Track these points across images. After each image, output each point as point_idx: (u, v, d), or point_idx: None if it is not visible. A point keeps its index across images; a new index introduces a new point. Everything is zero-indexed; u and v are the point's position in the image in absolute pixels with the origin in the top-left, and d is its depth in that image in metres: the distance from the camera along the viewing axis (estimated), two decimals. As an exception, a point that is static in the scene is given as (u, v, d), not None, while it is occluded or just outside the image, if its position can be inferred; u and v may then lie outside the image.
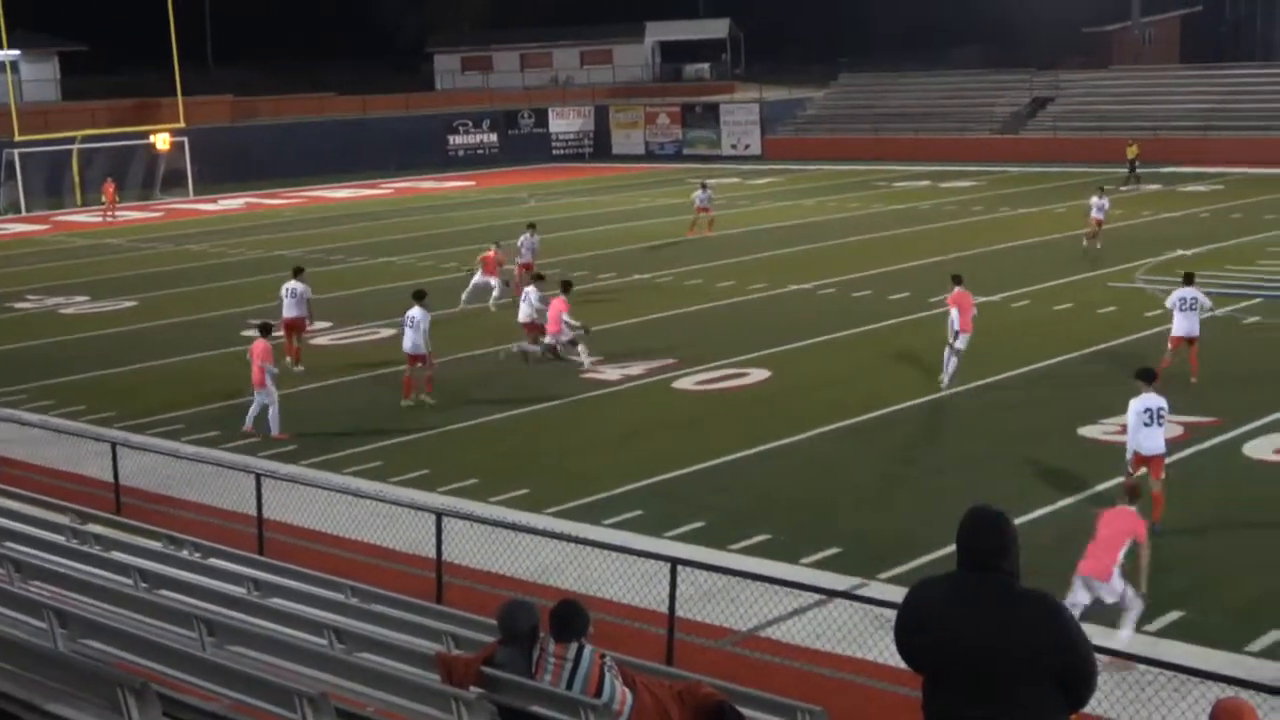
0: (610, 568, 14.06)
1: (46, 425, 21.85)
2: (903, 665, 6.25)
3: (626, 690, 8.23)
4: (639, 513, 17.28)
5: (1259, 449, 18.99)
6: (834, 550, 15.71)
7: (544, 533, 14.93)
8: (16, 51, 67.69)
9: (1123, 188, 51.69)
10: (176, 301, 35.35)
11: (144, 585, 11.42)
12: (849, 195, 55.75)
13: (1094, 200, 37.42)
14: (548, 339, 25.87)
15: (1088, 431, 19.90)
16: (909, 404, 22.16)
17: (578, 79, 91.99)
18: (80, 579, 11.20)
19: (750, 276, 35.05)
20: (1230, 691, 8.95)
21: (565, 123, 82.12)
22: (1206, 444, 19.25)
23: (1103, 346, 25.54)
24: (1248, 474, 18.11)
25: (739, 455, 19.66)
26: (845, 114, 79.19)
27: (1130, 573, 12.61)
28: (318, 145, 74.35)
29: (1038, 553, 13.79)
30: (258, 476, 16.51)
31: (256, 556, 13.96)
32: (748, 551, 15.73)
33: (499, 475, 19.12)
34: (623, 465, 19.40)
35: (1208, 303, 22.65)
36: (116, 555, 12.58)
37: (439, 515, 14.62)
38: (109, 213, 58.04)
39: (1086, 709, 6.16)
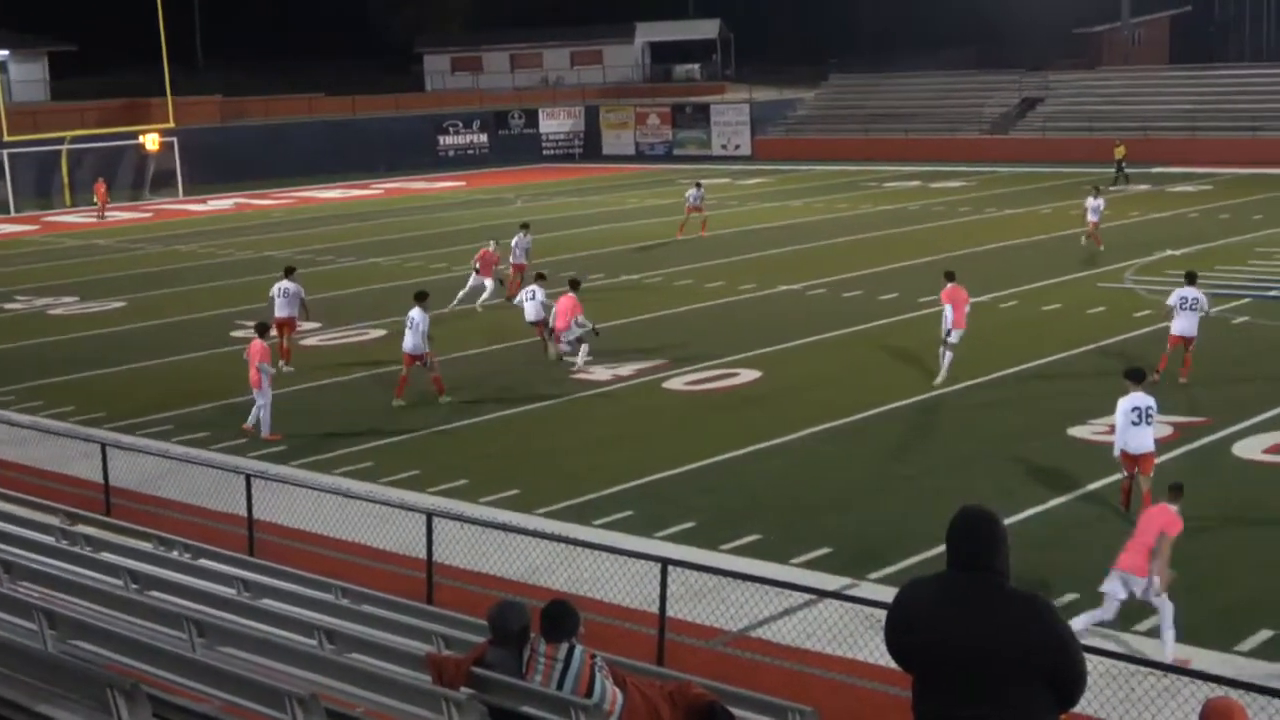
0: (601, 568, 14.06)
1: (36, 426, 21.81)
2: (893, 665, 6.25)
3: (617, 690, 8.23)
4: (629, 513, 17.28)
5: (1248, 449, 19.04)
6: (824, 550, 15.72)
7: (534, 533, 14.93)
8: (5, 52, 67.71)
9: (1111, 188, 51.77)
10: (166, 302, 35.30)
11: (134, 586, 11.40)
12: (839, 196, 55.80)
13: (1089, 202, 37.44)
14: (560, 334, 25.79)
15: (1077, 432, 19.93)
16: (899, 404, 22.18)
17: (568, 79, 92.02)
18: (70, 580, 11.18)
19: (740, 277, 35.06)
20: (1220, 691, 8.96)
21: (555, 123, 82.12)
22: (1196, 444, 19.29)
23: (1092, 347, 25.58)
24: (1237, 474, 18.16)
25: (729, 455, 19.66)
26: (835, 114, 79.26)
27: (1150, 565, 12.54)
28: (307, 146, 74.28)
29: (1028, 553, 13.84)
30: (248, 477, 16.48)
31: (247, 557, 13.93)
32: (738, 552, 15.73)
33: (489, 476, 19.11)
34: (613, 466, 19.40)
35: (1206, 304, 22.73)
36: (106, 556, 12.56)
37: (429, 516, 14.61)
38: (100, 213, 57.97)
39: (1077, 709, 6.16)
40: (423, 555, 14.55)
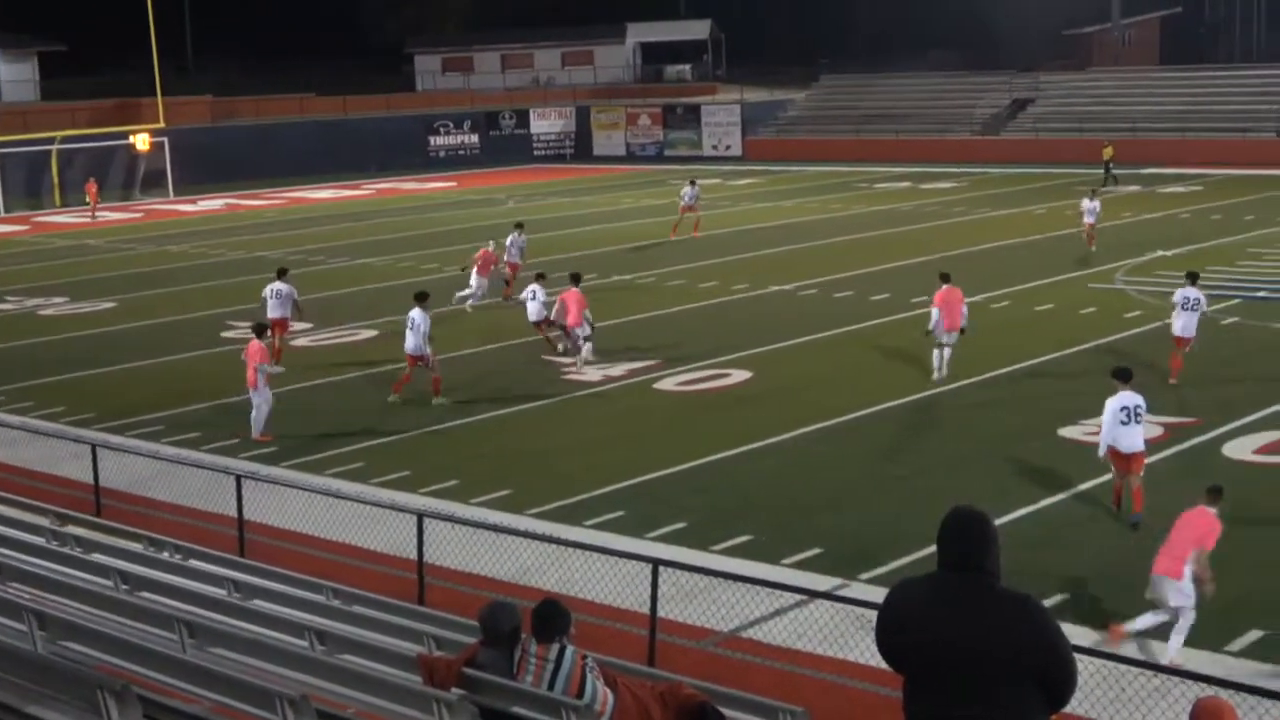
0: (592, 569, 14.05)
1: (26, 427, 21.77)
2: (884, 665, 6.26)
3: (608, 691, 8.23)
4: (620, 513, 17.28)
5: (1238, 449, 19.07)
6: (815, 550, 15.73)
7: (525, 534, 14.92)
8: (-5, 52, 67.64)
9: (1102, 189, 51.83)
10: (157, 302, 35.24)
11: (124, 587, 11.39)
12: (830, 196, 55.83)
13: (1085, 203, 37.45)
14: (572, 330, 25.82)
15: (1068, 432, 19.96)
16: (890, 404, 22.19)
17: (559, 80, 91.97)
18: (60, 581, 11.16)
19: (732, 277, 35.07)
20: (1210, 690, 8.98)
21: (546, 124, 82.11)
22: (1186, 444, 19.32)
23: (1083, 347, 25.62)
24: (1227, 474, 18.12)
25: (721, 456, 19.67)
26: (826, 115, 79.32)
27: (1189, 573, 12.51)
28: (298, 146, 74.20)
29: (1019, 553, 13.86)
30: (238, 478, 16.46)
31: (237, 558, 13.92)
32: (729, 552, 15.73)
33: (480, 476, 19.10)
34: (604, 466, 19.40)
35: (1205, 305, 22.88)
36: (96, 557, 12.54)
37: (420, 516, 14.59)
38: (93, 213, 57.88)
39: (1067, 709, 6.17)
40: (414, 556, 14.53)
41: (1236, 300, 29.35)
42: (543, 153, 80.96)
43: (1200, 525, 12.62)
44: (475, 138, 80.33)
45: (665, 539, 16.24)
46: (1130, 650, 12.24)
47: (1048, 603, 13.11)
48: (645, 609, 12.84)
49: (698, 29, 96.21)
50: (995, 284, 31.96)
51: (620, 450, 20.37)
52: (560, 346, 26.59)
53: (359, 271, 39.31)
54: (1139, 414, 16.12)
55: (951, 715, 5.94)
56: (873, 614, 6.36)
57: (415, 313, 23.19)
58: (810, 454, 19.87)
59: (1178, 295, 22.81)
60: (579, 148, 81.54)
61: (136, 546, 13.27)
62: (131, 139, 64.62)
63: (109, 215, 58.70)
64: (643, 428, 21.68)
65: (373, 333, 29.81)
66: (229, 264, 41.90)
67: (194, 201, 63.22)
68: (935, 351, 23.45)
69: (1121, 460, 16.26)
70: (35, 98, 79.48)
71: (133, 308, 34.59)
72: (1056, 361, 24.74)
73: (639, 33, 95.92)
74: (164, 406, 23.72)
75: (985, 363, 24.17)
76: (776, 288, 33.46)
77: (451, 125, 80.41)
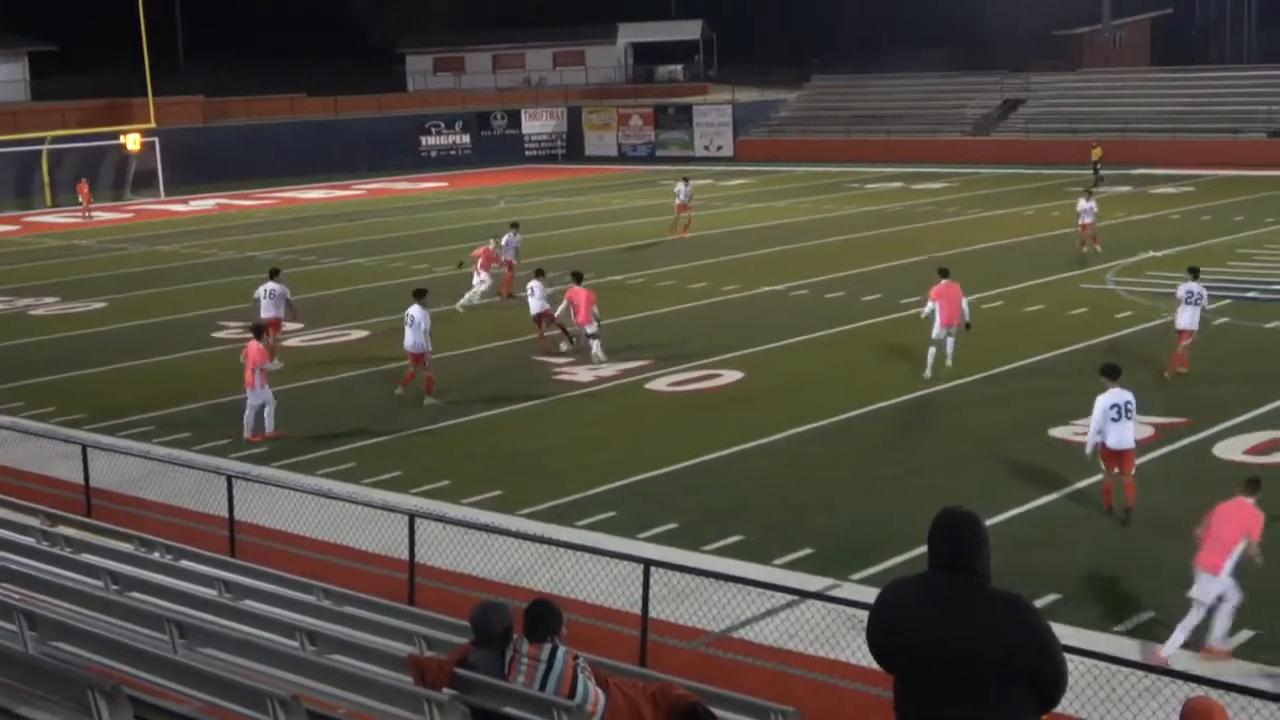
0: (583, 569, 14.05)
1: (16, 427, 21.73)
2: (875, 666, 6.26)
3: (599, 691, 8.23)
4: (612, 514, 17.28)
5: (1229, 450, 19.10)
6: (807, 551, 15.74)
7: (517, 534, 14.90)
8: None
9: (1095, 189, 51.91)
10: (147, 303, 35.19)
11: (115, 587, 11.37)
12: (821, 197, 55.86)
13: (1081, 204, 37.47)
14: (583, 328, 25.86)
15: (1059, 432, 19.98)
16: (881, 405, 22.21)
17: (550, 80, 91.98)
18: (50, 581, 11.15)
19: (723, 278, 35.08)
20: (1200, 691, 8.99)
21: (538, 124, 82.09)
22: (1177, 444, 19.36)
23: (1074, 348, 25.65)
24: (1218, 475, 18.18)
25: (712, 456, 19.67)
26: (817, 116, 79.36)
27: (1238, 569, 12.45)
28: (289, 146, 74.11)
29: (1010, 553, 13.87)
30: (229, 478, 16.43)
31: (228, 558, 13.91)
32: (721, 552, 15.74)
33: (472, 477, 19.09)
34: (596, 466, 19.39)
35: (1206, 299, 23.36)
36: (87, 557, 12.52)
37: (412, 517, 14.58)
38: (86, 213, 57.79)
39: (1058, 709, 6.18)
40: (405, 556, 14.52)
41: (1227, 300, 29.39)
42: (534, 153, 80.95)
43: (1243, 518, 12.59)
44: (466, 138, 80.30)
45: (657, 539, 16.24)
46: (1129, 651, 12.25)
47: (1039, 603, 13.16)
48: (637, 609, 12.84)
49: (689, 29, 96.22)
50: (987, 284, 31.98)
51: (612, 450, 20.36)
52: (563, 345, 26.64)
53: (350, 272, 39.28)
54: (1129, 410, 16.19)
55: (942, 715, 5.94)
56: (864, 614, 6.36)
57: (414, 309, 23.19)
58: (802, 454, 19.87)
59: (1180, 290, 23.13)
60: (570, 148, 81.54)
61: (127, 547, 13.25)
62: (122, 139, 64.57)
63: (100, 215, 58.59)
64: (635, 428, 21.68)
65: (364, 333, 29.79)
66: (220, 264, 41.85)
67: (185, 201, 63.15)
68: (931, 349, 23.52)
69: (1112, 457, 16.32)
70: (26, 97, 79.31)
71: (124, 308, 34.54)
72: (1047, 362, 24.78)
73: (630, 33, 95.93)
74: (155, 407, 23.69)
75: (977, 363, 24.19)
76: (768, 288, 33.47)
77: (443, 125, 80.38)
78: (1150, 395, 20.12)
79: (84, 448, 18.58)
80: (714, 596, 13.60)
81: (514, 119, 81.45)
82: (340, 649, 9.75)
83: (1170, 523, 16.22)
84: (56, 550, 12.86)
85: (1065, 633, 10.79)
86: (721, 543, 16.07)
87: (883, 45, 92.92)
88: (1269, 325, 27.23)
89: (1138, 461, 16.63)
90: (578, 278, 26.53)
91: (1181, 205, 48.32)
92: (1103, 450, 16.35)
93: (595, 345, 25.67)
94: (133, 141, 64.41)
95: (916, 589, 6.16)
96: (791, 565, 15.27)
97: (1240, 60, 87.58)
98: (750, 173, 68.69)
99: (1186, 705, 6.97)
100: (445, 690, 8.31)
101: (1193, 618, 12.43)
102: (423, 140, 79.63)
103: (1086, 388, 17.64)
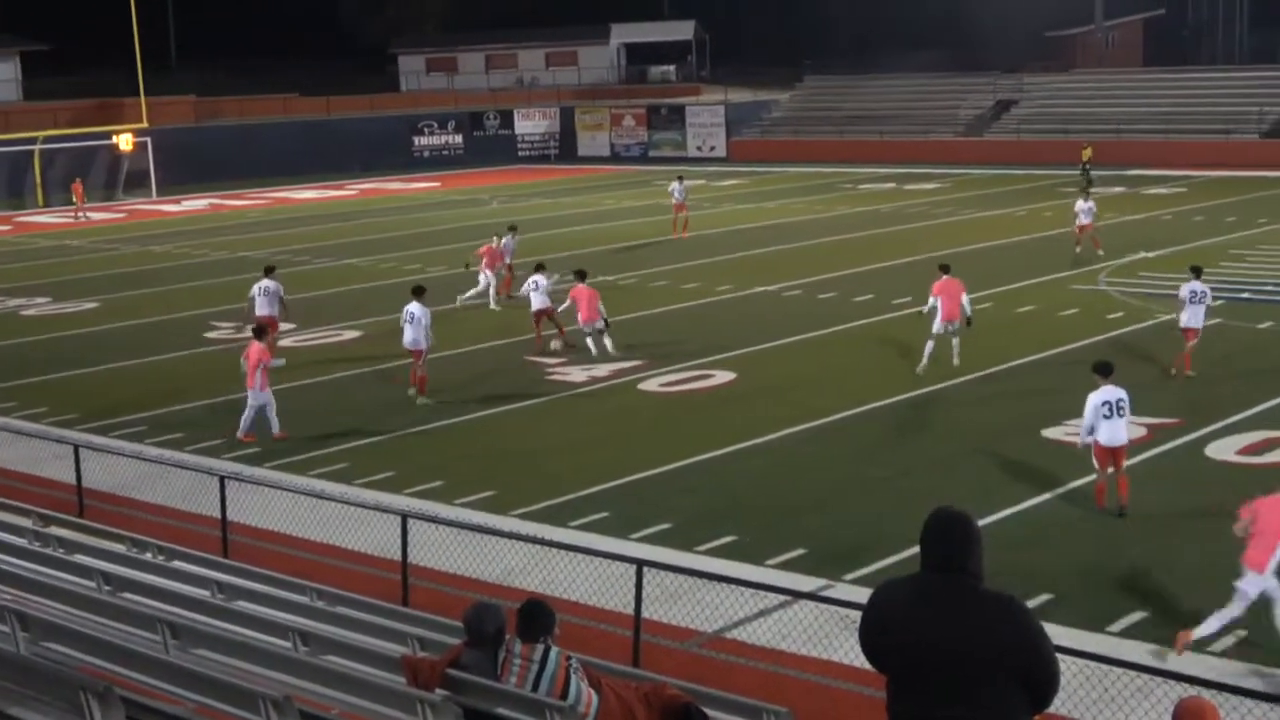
0: (576, 570, 14.05)
1: (8, 427, 21.69)
2: (868, 666, 6.27)
3: (592, 692, 8.23)
4: (605, 514, 17.27)
5: (1221, 450, 19.13)
6: (800, 551, 15.74)
7: (510, 535, 14.90)
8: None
9: (1091, 190, 51.98)
10: (140, 303, 35.15)
11: (107, 588, 11.36)
12: (814, 197, 55.88)
13: (1079, 205, 37.48)
14: (584, 325, 25.87)
15: (1051, 433, 20.00)
16: (873, 405, 22.22)
17: (543, 80, 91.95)
18: (42, 582, 11.13)
19: (716, 278, 35.09)
20: (1193, 691, 9.00)
21: (531, 124, 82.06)
22: (1169, 445, 19.38)
23: (1066, 348, 25.68)
24: (1210, 475, 18.23)
25: (705, 457, 19.67)
26: (810, 116, 79.40)
27: None
28: (282, 146, 74.07)
29: (1003, 553, 13.88)
30: (222, 479, 16.42)
31: (220, 559, 13.89)
32: (714, 553, 15.74)
33: (465, 477, 19.08)
34: (589, 467, 19.39)
35: (1210, 298, 23.59)
36: (79, 558, 12.51)
37: (405, 517, 14.57)
38: (79, 213, 57.70)
39: (1051, 709, 6.19)
40: (398, 557, 14.51)
41: (1220, 301, 29.39)
42: (527, 153, 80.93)
43: None
44: (459, 138, 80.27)
45: (650, 540, 16.24)
46: (1121, 651, 12.27)
47: (1032, 603, 13.16)
48: (630, 610, 12.83)
49: (682, 30, 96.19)
50: (979, 285, 31.92)
51: (605, 451, 20.36)
52: (554, 344, 26.67)
53: (344, 272, 39.25)
54: (1121, 408, 16.25)
55: (934, 716, 5.95)
56: (857, 615, 6.37)
57: (414, 307, 23.21)
58: (795, 454, 19.88)
59: (1183, 290, 23.21)
60: (563, 148, 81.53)
61: (119, 547, 13.23)
62: (114, 139, 64.47)
63: (92, 215, 58.48)
64: (628, 428, 21.68)
65: (357, 333, 29.78)
66: (213, 264, 41.81)
67: (178, 202, 63.09)
68: (929, 344, 23.65)
69: (1105, 455, 16.37)
70: (17, 97, 79.23)
71: (116, 308, 34.50)
72: (1039, 362, 24.81)
73: (623, 33, 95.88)
74: (147, 407, 23.66)
75: (970, 363, 24.21)
76: (761, 288, 33.48)
77: (435, 125, 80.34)
78: (1142, 395, 20.13)
79: (76, 448, 18.55)
80: (707, 597, 13.60)
81: (507, 119, 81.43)
82: (333, 650, 9.74)
83: (1162, 524, 16.27)
84: (49, 551, 12.84)
85: (1057, 633, 10.80)
86: (714, 543, 16.07)
87: (875, 46, 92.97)
88: (1261, 326, 27.27)
89: (1130, 462, 16.65)
90: (581, 276, 26.58)
91: (1174, 206, 48.37)
92: (1096, 448, 16.40)
93: (606, 340, 25.76)
94: (125, 141, 64.33)
95: (909, 589, 6.17)
96: (784, 566, 15.28)
97: (1232, 61, 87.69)
98: (743, 173, 68.71)
99: (1179, 705, 6.97)
100: (438, 691, 8.30)
101: (1233, 609, 12.37)
102: (415, 140, 79.60)
103: (1078, 388, 17.65)
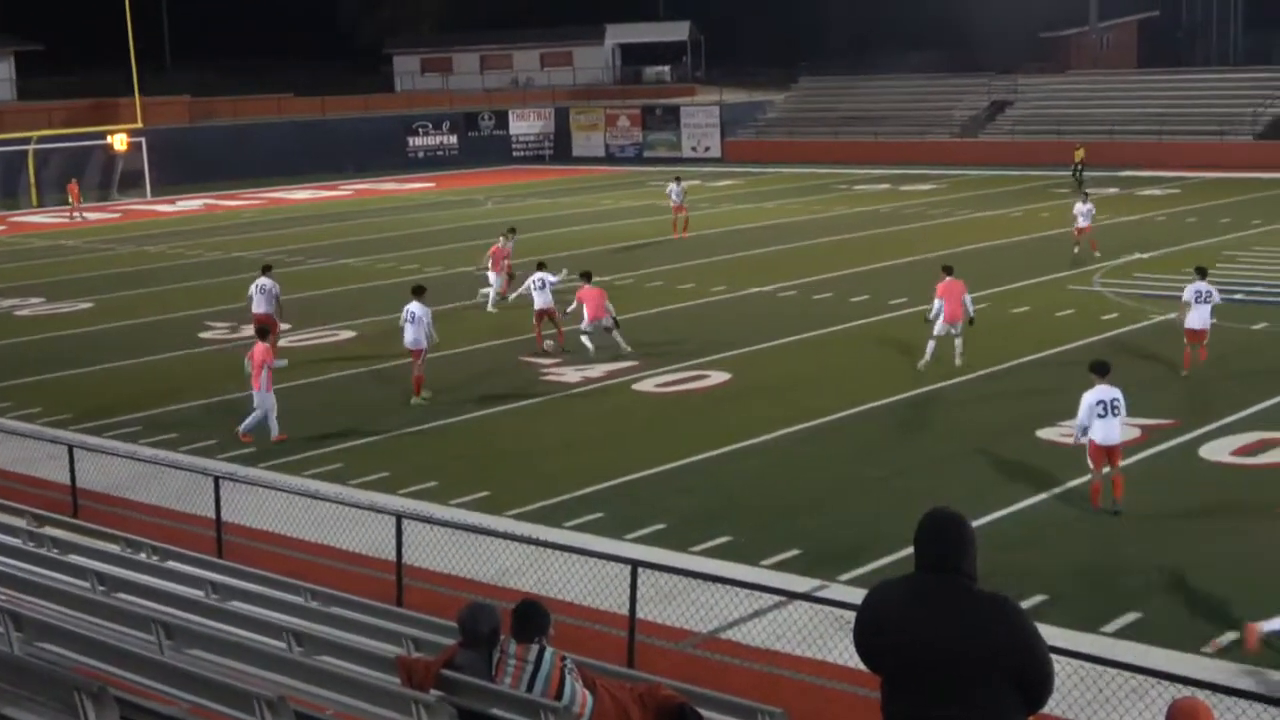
0: (571, 570, 14.04)
1: (2, 427, 21.68)
2: (862, 667, 6.27)
3: (587, 692, 8.23)
4: (600, 515, 17.27)
5: (1216, 451, 19.14)
6: (794, 552, 15.74)
7: (505, 535, 14.89)
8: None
9: (1088, 190, 52.00)
10: (134, 303, 35.12)
11: (101, 588, 11.35)
12: (809, 198, 55.90)
13: (1078, 207, 37.46)
14: (587, 325, 25.88)
15: (1046, 434, 20.01)
16: (869, 406, 22.23)
17: (538, 81, 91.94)
18: (37, 582, 11.12)
19: (711, 279, 35.10)
20: (1186, 692, 9.01)
21: (525, 125, 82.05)
22: (1163, 445, 19.39)
23: (1061, 349, 25.70)
24: (1204, 476, 18.25)
25: (700, 457, 19.67)
26: (805, 117, 79.42)
27: None
28: (276, 146, 74.01)
29: (997, 554, 13.90)
30: (216, 479, 16.41)
31: (215, 559, 13.88)
32: (709, 553, 15.74)
33: (460, 477, 19.08)
34: (584, 467, 19.38)
35: (1218, 297, 23.60)
36: (73, 558, 12.50)
37: (399, 518, 14.56)
38: (75, 213, 57.64)
39: (1045, 709, 6.19)
40: (392, 557, 14.50)
41: (1216, 302, 29.43)
42: (522, 154, 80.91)
43: None
44: (454, 138, 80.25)
45: (645, 540, 16.24)
46: (1116, 652, 12.28)
47: (1027, 604, 13.18)
48: (624, 610, 12.83)
49: (677, 30, 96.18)
50: (975, 285, 31.73)
51: (600, 451, 20.36)
52: (548, 345, 26.69)
53: (339, 272, 39.23)
54: (1116, 407, 16.28)
55: (929, 716, 5.95)
56: (851, 615, 6.37)
57: (415, 306, 23.21)
58: (790, 455, 19.88)
59: (1188, 291, 23.23)
60: (558, 149, 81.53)
61: (114, 548, 13.22)
62: (109, 139, 64.39)
63: (87, 215, 58.42)
64: (623, 429, 21.68)
65: (352, 333, 29.76)
66: (208, 264, 41.78)
67: (172, 202, 63.04)
68: (931, 343, 23.71)
69: (1100, 454, 16.39)
70: (11, 97, 79.15)
71: (110, 308, 34.47)
72: (1035, 363, 24.83)
73: (618, 34, 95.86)
74: (142, 407, 23.64)
75: (966, 364, 24.21)
76: (756, 289, 33.49)
77: (430, 126, 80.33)
78: (1136, 396, 20.14)
79: (70, 448, 18.53)
80: (702, 597, 13.59)
81: (501, 120, 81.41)
82: (327, 650, 9.74)
83: (1156, 525, 16.29)
84: (43, 551, 12.83)
85: (1052, 633, 10.82)
86: (709, 543, 16.07)
87: (870, 47, 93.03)
88: (1256, 327, 27.31)
89: (1123, 464, 16.67)
90: (587, 277, 26.58)
91: (1168, 207, 48.42)
92: (1091, 447, 16.43)
93: (618, 337, 25.85)
94: (119, 141, 64.24)
95: (903, 590, 6.17)
96: (779, 566, 15.28)
97: (1226, 62, 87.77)
98: (738, 174, 68.72)
99: (1172, 706, 6.97)
100: (432, 691, 8.30)
101: None
102: (410, 141, 79.57)
103: (1074, 388, 17.66)
